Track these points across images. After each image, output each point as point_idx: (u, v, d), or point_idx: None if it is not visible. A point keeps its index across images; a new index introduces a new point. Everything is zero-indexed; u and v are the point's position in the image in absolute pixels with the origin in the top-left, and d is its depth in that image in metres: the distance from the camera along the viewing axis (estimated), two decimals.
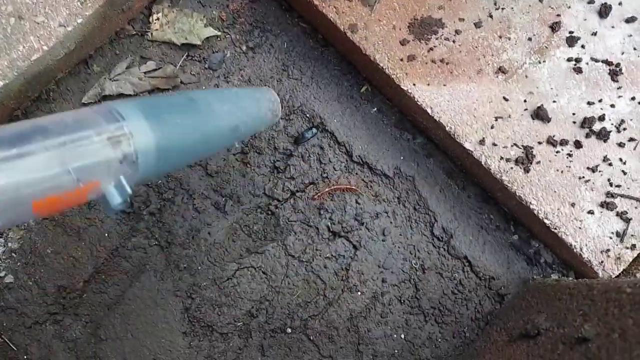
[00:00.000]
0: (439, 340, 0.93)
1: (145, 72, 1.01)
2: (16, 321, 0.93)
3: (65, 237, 0.95)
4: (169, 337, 0.93)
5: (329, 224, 0.97)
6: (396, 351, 0.93)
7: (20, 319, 0.93)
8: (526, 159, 0.88)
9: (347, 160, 0.99)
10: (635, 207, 0.86)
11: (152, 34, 1.01)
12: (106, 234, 0.95)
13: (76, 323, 0.93)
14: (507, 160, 0.88)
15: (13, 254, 0.95)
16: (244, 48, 1.03)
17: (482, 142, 0.88)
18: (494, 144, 0.89)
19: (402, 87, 0.90)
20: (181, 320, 0.94)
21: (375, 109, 1.00)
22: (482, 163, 0.88)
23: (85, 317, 0.94)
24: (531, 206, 0.87)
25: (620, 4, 0.93)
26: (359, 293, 0.95)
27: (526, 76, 0.92)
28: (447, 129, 0.89)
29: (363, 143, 0.99)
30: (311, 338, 0.94)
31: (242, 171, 0.99)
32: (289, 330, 0.94)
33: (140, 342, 0.92)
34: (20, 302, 0.93)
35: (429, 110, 0.89)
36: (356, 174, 0.98)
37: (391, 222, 0.97)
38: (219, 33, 1.02)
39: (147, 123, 0.59)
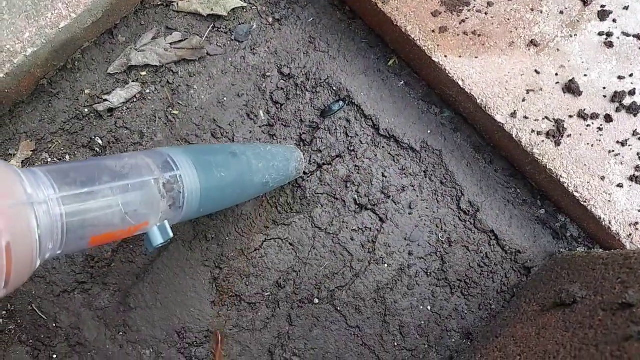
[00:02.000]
0: (465, 312, 0.94)
1: (171, 43, 1.00)
2: (45, 290, 0.93)
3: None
4: (197, 306, 0.94)
5: (355, 196, 0.97)
6: (422, 322, 0.94)
7: (49, 287, 0.93)
8: (557, 133, 0.88)
9: (373, 134, 0.99)
10: None
11: (177, 4, 1.00)
12: None
13: (104, 292, 0.94)
14: (539, 133, 0.88)
15: None
16: (271, 20, 1.02)
17: (513, 115, 0.88)
18: (525, 117, 0.89)
19: (433, 59, 0.89)
20: (209, 289, 0.94)
21: (403, 82, 1.00)
22: (513, 136, 0.88)
23: (113, 287, 0.94)
24: (561, 179, 0.87)
25: None
26: (386, 265, 0.96)
27: (558, 49, 0.91)
28: (478, 101, 0.89)
29: (390, 116, 0.98)
30: (338, 309, 0.94)
31: (268, 141, 0.98)
32: (317, 301, 0.95)
33: (170, 311, 0.93)
34: (48, 271, 0.93)
35: (460, 83, 0.89)
36: (382, 147, 0.98)
37: (418, 196, 0.97)
38: (245, 4, 1.01)
39: (196, 174, 0.66)
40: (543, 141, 0.88)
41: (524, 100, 0.89)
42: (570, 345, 0.65)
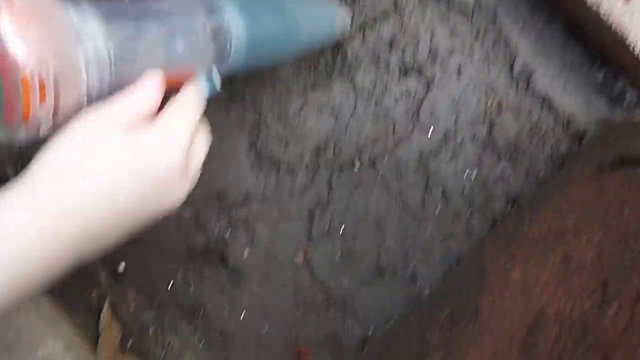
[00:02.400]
0: (512, 178, 0.92)
1: None
2: None
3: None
4: (236, 171, 0.92)
5: (400, 59, 0.91)
6: (467, 188, 0.92)
7: None
8: None
9: None
10: None
11: None
12: None
13: None
14: None
15: None
16: None
17: None
18: None
19: None
20: (247, 154, 0.92)
21: None
22: None
23: None
24: (627, 40, 0.80)
25: None
26: (430, 131, 0.92)
27: None
28: None
29: None
30: (380, 174, 0.92)
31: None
32: (357, 166, 0.92)
33: (208, 173, 0.91)
34: None
35: None
36: (431, 6, 0.91)
37: (467, 59, 0.91)
38: None
39: (242, 19, 0.61)
40: None
41: None
42: (636, 200, 0.63)
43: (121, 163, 0.46)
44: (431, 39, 0.91)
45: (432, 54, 0.91)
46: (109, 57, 0.46)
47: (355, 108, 0.92)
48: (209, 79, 0.59)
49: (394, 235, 0.92)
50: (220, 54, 0.59)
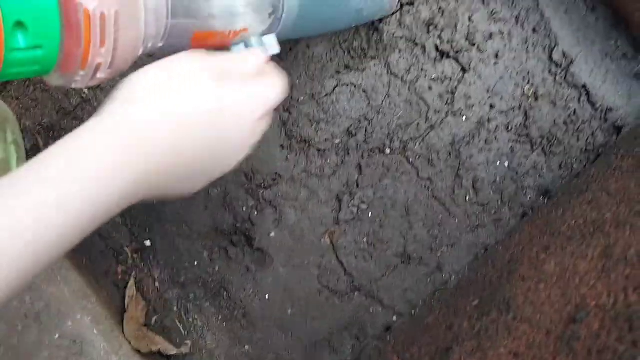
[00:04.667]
0: (544, 170, 0.90)
1: None
2: None
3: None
4: (266, 149, 0.91)
5: (437, 42, 0.89)
6: (498, 178, 0.90)
7: None
8: None
9: None
10: None
11: None
12: None
13: None
14: None
15: None
16: None
17: None
18: None
19: None
20: (278, 133, 0.91)
21: None
22: None
23: None
24: None
25: None
26: (464, 118, 0.90)
27: None
28: None
29: None
30: (410, 160, 0.91)
31: None
32: (388, 150, 0.91)
33: None
34: None
35: None
36: None
37: (506, 45, 0.89)
38: None
39: None
40: None
41: None
42: None
43: (209, 110, 0.46)
44: (470, 22, 0.89)
45: (470, 37, 0.89)
46: (167, 8, 0.45)
47: (388, 91, 0.90)
48: (260, 39, 0.58)
49: (422, 223, 0.91)
50: (273, 13, 0.58)
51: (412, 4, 0.89)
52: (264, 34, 0.59)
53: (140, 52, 0.46)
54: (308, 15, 0.65)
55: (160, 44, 0.48)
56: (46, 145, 0.90)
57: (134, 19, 0.42)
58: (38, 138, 0.89)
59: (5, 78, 0.38)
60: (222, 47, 0.57)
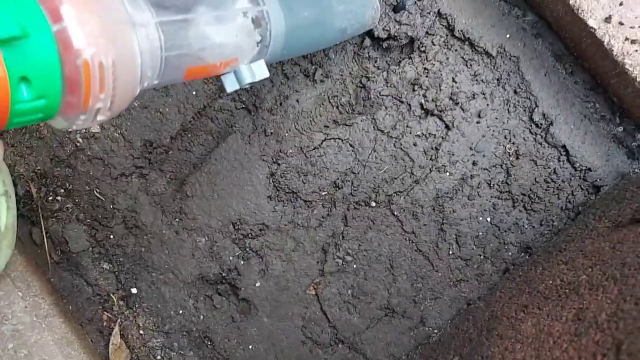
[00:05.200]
0: (526, 226, 0.92)
1: None
2: (102, 172, 0.93)
3: (152, 92, 0.92)
4: (254, 199, 0.93)
5: (422, 101, 0.93)
6: (480, 233, 0.92)
7: (107, 169, 0.93)
8: None
9: (447, 35, 0.92)
10: None
11: None
12: (194, 92, 0.93)
13: (161, 179, 0.93)
14: (633, 42, 0.81)
15: None
16: None
17: (607, 19, 0.81)
18: (621, 23, 0.81)
19: None
20: (266, 184, 0.93)
21: None
22: (604, 43, 0.82)
23: (170, 174, 0.93)
24: None
25: None
26: (448, 174, 0.93)
27: None
28: (570, 2, 0.82)
29: (467, 17, 0.92)
30: (395, 213, 0.93)
31: None
32: (374, 204, 0.93)
33: (226, 202, 0.93)
34: (106, 152, 0.93)
35: None
36: (455, 50, 0.92)
37: (488, 104, 0.92)
38: None
39: (281, 12, 0.63)
40: (636, 51, 0.81)
41: (620, 5, 0.82)
42: None
43: None
44: (453, 83, 0.92)
45: (454, 97, 0.92)
46: (160, 47, 0.47)
47: (375, 146, 0.93)
48: (249, 67, 0.61)
49: (406, 276, 0.92)
50: (261, 41, 0.61)
51: (398, 64, 0.92)
52: (253, 60, 0.62)
53: (138, 91, 0.48)
54: (294, 39, 0.68)
55: (156, 82, 0.50)
56: (39, 192, 0.92)
57: (130, 64, 0.44)
58: (31, 185, 0.92)
59: (10, 127, 0.41)
60: (214, 76, 0.61)
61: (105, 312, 0.91)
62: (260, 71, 0.61)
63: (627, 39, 0.81)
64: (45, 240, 0.92)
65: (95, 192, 0.93)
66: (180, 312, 0.92)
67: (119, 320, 0.90)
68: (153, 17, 0.46)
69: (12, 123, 0.40)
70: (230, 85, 0.62)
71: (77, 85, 0.40)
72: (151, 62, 0.47)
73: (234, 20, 0.57)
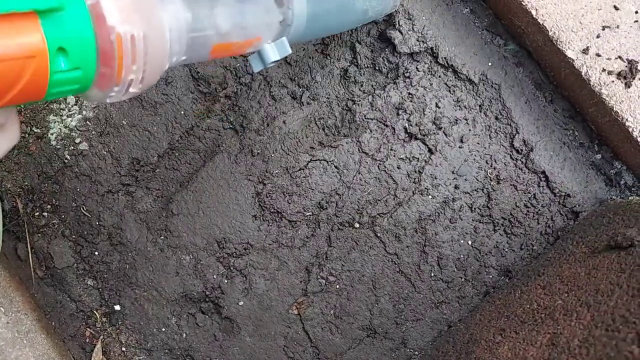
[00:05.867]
0: (506, 250, 0.93)
1: None
2: (89, 188, 0.94)
3: (141, 110, 0.94)
4: (239, 218, 0.94)
5: (406, 125, 0.95)
6: (462, 256, 0.93)
7: (94, 186, 0.94)
8: (629, 74, 0.84)
9: (431, 62, 0.95)
10: None
11: None
12: (182, 112, 0.94)
13: (148, 196, 0.94)
14: (609, 73, 0.84)
15: (88, 122, 0.94)
16: None
17: (585, 51, 0.84)
18: (598, 55, 0.84)
19: None
20: (252, 204, 0.94)
21: (468, 9, 0.95)
22: (582, 74, 0.84)
23: (156, 192, 0.94)
24: (627, 123, 0.84)
25: None
26: (430, 197, 0.94)
27: None
28: (549, 33, 0.84)
29: (450, 45, 0.94)
30: (378, 235, 0.94)
31: (321, 62, 0.96)
32: (357, 225, 0.94)
33: (211, 220, 0.94)
34: (94, 170, 0.94)
35: (533, 12, 0.84)
36: (439, 76, 0.95)
37: (470, 130, 0.95)
38: None
39: None
40: (613, 82, 0.84)
41: (598, 37, 0.85)
42: (627, 285, 0.64)
43: None
44: (437, 108, 0.95)
45: (437, 122, 0.94)
46: (187, 24, 0.49)
47: (359, 168, 0.95)
48: (276, 44, 0.63)
49: (388, 297, 0.93)
50: (284, 20, 0.63)
51: (383, 88, 0.94)
52: (276, 38, 0.64)
53: (167, 66, 0.50)
54: (316, 19, 0.69)
55: (184, 58, 0.52)
56: (25, 207, 0.93)
57: (160, 39, 0.46)
58: (17, 200, 0.92)
59: (49, 97, 0.43)
60: (239, 54, 0.62)
61: (88, 329, 0.91)
62: (282, 49, 0.63)
63: (604, 70, 0.84)
64: (30, 255, 0.92)
65: (81, 208, 0.94)
66: (163, 329, 0.92)
67: (101, 336, 0.90)
68: None
69: (51, 93, 0.41)
70: (256, 65, 0.63)
71: (111, 58, 0.42)
72: (179, 38, 0.49)
73: (257, 1, 0.59)
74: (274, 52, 0.62)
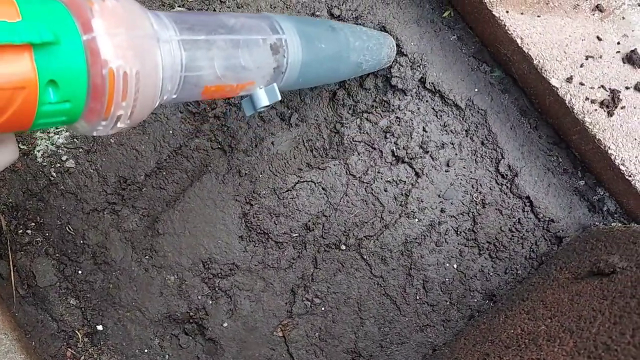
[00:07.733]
0: (491, 274, 0.94)
1: None
2: (75, 206, 0.93)
3: (129, 129, 0.94)
4: (225, 238, 0.94)
5: (393, 148, 0.96)
6: (447, 279, 0.94)
7: (79, 204, 0.93)
8: (612, 103, 0.86)
9: (418, 87, 0.96)
10: None
11: None
12: (170, 131, 0.94)
13: (134, 215, 0.94)
14: (592, 101, 0.86)
15: (75, 140, 0.94)
16: None
17: (569, 80, 0.86)
18: (581, 84, 0.86)
19: (494, 12, 0.86)
20: (239, 224, 0.94)
21: (455, 36, 0.96)
22: (566, 102, 0.86)
23: (143, 211, 0.94)
24: (609, 151, 0.85)
25: None
26: (416, 220, 0.95)
27: (623, 17, 0.88)
28: (534, 62, 0.86)
29: (438, 70, 0.96)
30: (364, 257, 0.94)
31: None
32: (343, 247, 0.94)
33: (197, 240, 0.93)
34: (80, 188, 0.93)
35: (518, 41, 0.86)
36: (426, 101, 0.96)
37: (456, 154, 0.96)
38: None
39: (299, 41, 0.66)
40: (596, 110, 0.86)
41: (581, 66, 0.87)
42: (609, 312, 0.65)
43: None
44: (424, 132, 0.96)
45: (424, 146, 0.95)
46: (181, 63, 0.50)
47: (346, 190, 0.95)
48: (267, 90, 0.63)
49: (374, 319, 0.93)
50: (278, 67, 0.64)
51: (371, 112, 0.95)
52: (268, 84, 0.64)
53: (157, 104, 0.50)
54: (310, 69, 0.70)
55: (174, 96, 0.52)
56: (9, 224, 0.92)
57: (153, 77, 0.46)
58: (1, 217, 0.91)
59: (36, 127, 0.42)
60: (230, 97, 0.63)
61: (69, 349, 0.90)
62: (273, 95, 0.64)
63: (587, 98, 0.86)
64: (12, 273, 0.91)
65: (66, 226, 0.93)
66: (146, 350, 0.91)
67: (82, 357, 0.89)
68: (176, 35, 0.49)
69: (37, 124, 0.41)
70: (248, 109, 0.64)
71: (101, 93, 0.42)
72: (172, 77, 0.49)
73: (253, 46, 0.59)
74: (264, 98, 0.63)
